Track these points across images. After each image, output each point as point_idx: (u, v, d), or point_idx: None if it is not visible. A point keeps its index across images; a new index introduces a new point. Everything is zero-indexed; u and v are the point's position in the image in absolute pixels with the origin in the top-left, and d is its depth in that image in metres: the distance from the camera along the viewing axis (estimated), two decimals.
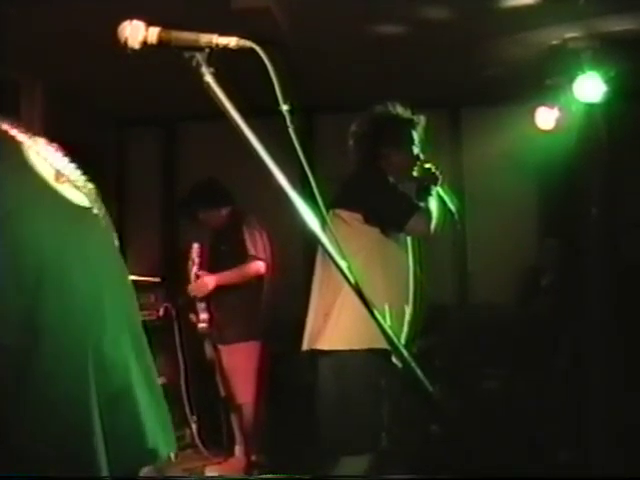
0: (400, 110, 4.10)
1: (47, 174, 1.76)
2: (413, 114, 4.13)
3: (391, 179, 4.05)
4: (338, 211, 3.82)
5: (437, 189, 4.11)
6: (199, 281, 5.64)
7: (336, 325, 3.83)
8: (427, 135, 4.17)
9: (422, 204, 3.96)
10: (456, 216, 4.17)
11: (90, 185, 1.83)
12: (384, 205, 3.93)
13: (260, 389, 5.76)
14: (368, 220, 3.87)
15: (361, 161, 4.14)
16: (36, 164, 1.76)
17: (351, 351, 3.78)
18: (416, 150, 4.12)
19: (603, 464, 5.22)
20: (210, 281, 5.63)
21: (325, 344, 3.88)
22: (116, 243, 1.82)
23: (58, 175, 1.77)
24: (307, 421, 4.07)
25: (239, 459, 5.82)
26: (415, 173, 4.14)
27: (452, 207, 4.14)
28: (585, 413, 5.65)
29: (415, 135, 4.12)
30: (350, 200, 3.89)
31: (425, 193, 4.03)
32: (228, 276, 5.62)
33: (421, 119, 4.14)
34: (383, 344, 3.70)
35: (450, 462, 5.08)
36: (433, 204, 4.00)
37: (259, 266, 5.65)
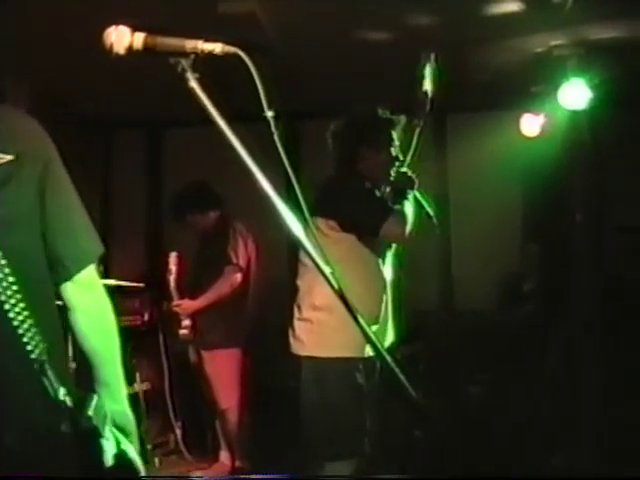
0: (379, 110, 4.09)
1: None
2: (392, 114, 4.10)
3: (367, 183, 4.02)
4: (314, 219, 3.74)
5: (414, 193, 4.05)
6: (179, 309, 5.68)
7: (317, 332, 3.83)
8: (406, 136, 4.13)
9: (397, 207, 3.90)
10: (434, 219, 4.13)
11: None
12: (359, 210, 3.89)
13: (243, 394, 5.77)
14: (344, 227, 3.84)
15: (339, 162, 4.12)
16: None
17: (330, 358, 3.77)
18: (394, 152, 4.09)
19: (590, 467, 5.26)
20: (189, 308, 5.68)
21: (305, 350, 3.87)
22: None
23: None
24: (291, 426, 4.06)
25: (223, 464, 5.82)
26: (391, 177, 4.10)
27: (430, 210, 4.10)
28: (571, 417, 5.68)
29: (394, 136, 4.08)
30: (325, 208, 3.83)
31: (401, 197, 3.98)
32: (206, 299, 5.65)
33: (401, 119, 4.10)
34: (361, 352, 3.70)
35: (435, 466, 5.10)
36: (409, 208, 3.94)
37: (234, 278, 5.64)
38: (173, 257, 5.71)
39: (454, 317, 7.28)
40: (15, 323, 1.81)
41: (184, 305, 5.68)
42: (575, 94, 5.82)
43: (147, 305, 6.26)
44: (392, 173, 4.08)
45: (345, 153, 4.09)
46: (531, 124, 6.38)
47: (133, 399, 5.64)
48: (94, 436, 1.96)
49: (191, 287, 5.83)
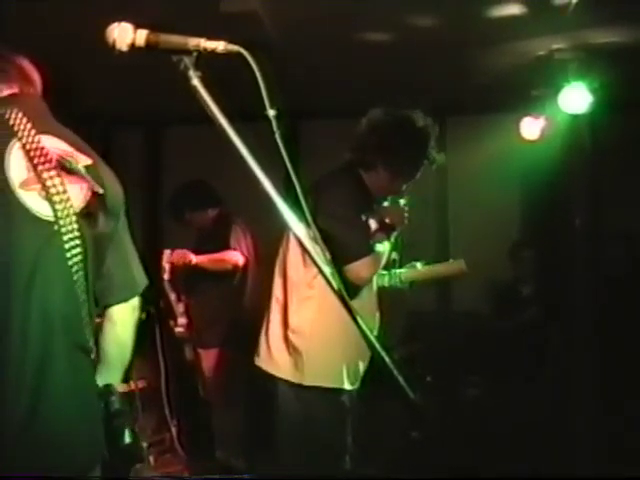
0: (431, 140, 3.68)
1: (15, 176, 2.02)
2: (438, 152, 3.71)
3: (362, 201, 3.65)
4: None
5: (396, 233, 3.75)
6: (179, 251, 5.63)
7: (292, 355, 3.62)
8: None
9: (376, 247, 3.59)
10: (397, 264, 3.91)
11: (69, 195, 2.07)
12: (339, 231, 3.36)
13: (240, 393, 5.75)
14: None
15: (351, 152, 3.74)
16: (10, 162, 2.03)
17: (303, 386, 3.59)
18: (407, 185, 3.76)
19: (590, 467, 5.26)
20: (187, 256, 5.60)
21: (279, 372, 3.68)
22: (75, 260, 2.07)
23: (28, 181, 2.03)
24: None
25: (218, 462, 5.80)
26: (386, 202, 3.79)
27: (396, 255, 3.87)
28: (571, 417, 5.69)
29: (420, 171, 3.71)
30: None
31: (385, 236, 3.67)
32: (207, 257, 5.61)
33: (440, 158, 3.74)
34: (339, 383, 3.53)
35: (432, 468, 5.11)
36: (386, 250, 3.66)
37: (238, 257, 5.63)
38: (167, 255, 5.68)
39: (452, 319, 7.28)
40: (84, 322, 2.13)
41: (189, 258, 5.62)
42: (576, 98, 5.82)
43: (144, 303, 6.23)
44: (389, 199, 3.79)
45: (361, 150, 3.70)
46: (531, 127, 6.38)
47: (129, 397, 5.66)
48: (120, 416, 2.29)
49: (187, 285, 5.83)
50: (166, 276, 5.67)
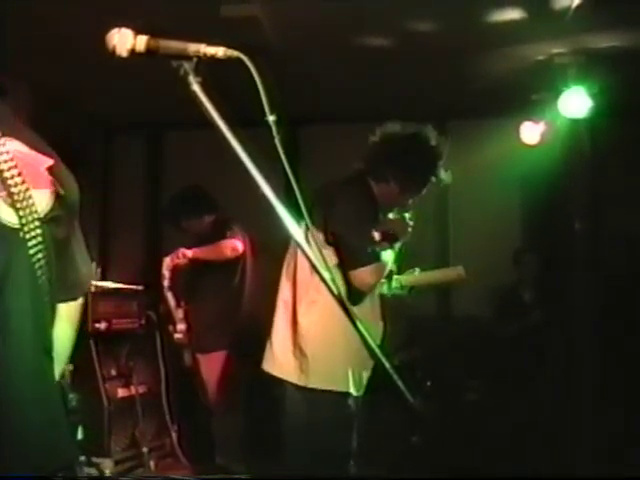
0: (442, 159, 3.77)
1: None
2: (446, 170, 3.80)
3: (370, 209, 3.70)
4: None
5: (399, 244, 3.83)
6: (177, 252, 5.66)
7: (299, 357, 3.63)
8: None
9: (382, 255, 3.64)
10: (394, 275, 3.94)
11: (34, 200, 2.02)
12: (348, 238, 3.53)
13: (240, 397, 5.75)
14: (327, 241, 3.57)
15: (362, 163, 3.81)
16: None
17: (308, 389, 3.59)
18: (413, 200, 3.85)
19: (590, 467, 5.27)
20: (188, 252, 5.63)
21: (284, 374, 3.69)
22: (39, 265, 2.04)
23: None
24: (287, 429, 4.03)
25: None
26: (392, 214, 3.87)
27: (394, 267, 3.89)
28: (571, 418, 5.69)
29: (427, 188, 3.79)
30: (319, 215, 3.53)
31: (389, 245, 3.75)
32: (204, 248, 5.63)
33: (447, 177, 3.82)
34: (343, 386, 3.54)
35: (432, 468, 5.10)
36: (389, 259, 3.71)
37: (235, 243, 5.64)
38: (166, 262, 5.68)
39: (453, 324, 7.28)
40: (47, 324, 2.11)
41: (182, 252, 5.65)
42: (575, 102, 5.83)
43: (145, 308, 6.24)
44: (394, 211, 3.86)
45: (373, 160, 3.77)
46: (531, 132, 6.37)
47: (130, 402, 5.66)
48: (76, 414, 2.36)
49: (186, 291, 5.83)
50: (166, 283, 5.68)
